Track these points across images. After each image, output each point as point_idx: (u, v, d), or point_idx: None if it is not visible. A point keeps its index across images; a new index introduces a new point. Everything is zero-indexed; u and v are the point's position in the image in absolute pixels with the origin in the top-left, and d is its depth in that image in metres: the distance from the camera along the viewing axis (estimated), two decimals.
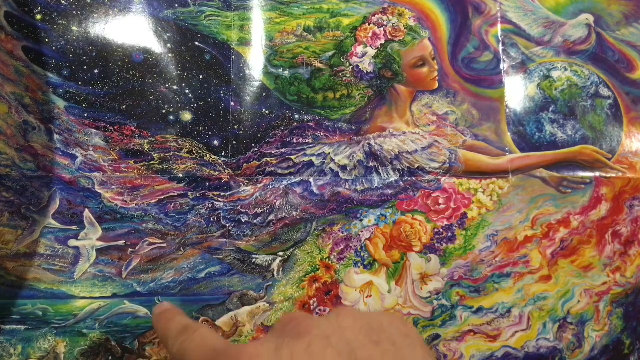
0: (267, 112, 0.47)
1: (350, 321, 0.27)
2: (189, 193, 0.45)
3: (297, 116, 0.47)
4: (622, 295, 0.52)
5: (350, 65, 0.49)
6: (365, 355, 0.25)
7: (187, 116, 0.45)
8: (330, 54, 0.48)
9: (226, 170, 0.46)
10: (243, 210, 0.46)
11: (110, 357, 0.43)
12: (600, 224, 0.52)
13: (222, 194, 0.45)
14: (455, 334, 0.49)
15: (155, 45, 0.45)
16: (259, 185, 0.46)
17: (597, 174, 0.52)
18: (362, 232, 0.48)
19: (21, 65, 0.43)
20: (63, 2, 0.44)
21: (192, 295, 0.44)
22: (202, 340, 0.33)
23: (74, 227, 0.43)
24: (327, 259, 0.47)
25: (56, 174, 0.43)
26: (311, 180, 0.47)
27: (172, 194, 0.45)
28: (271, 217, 0.46)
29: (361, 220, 0.48)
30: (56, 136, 0.43)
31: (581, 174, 0.52)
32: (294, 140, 0.47)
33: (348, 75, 0.49)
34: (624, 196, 0.53)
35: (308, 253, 0.47)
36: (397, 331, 0.27)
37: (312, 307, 0.46)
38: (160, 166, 0.45)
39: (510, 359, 0.49)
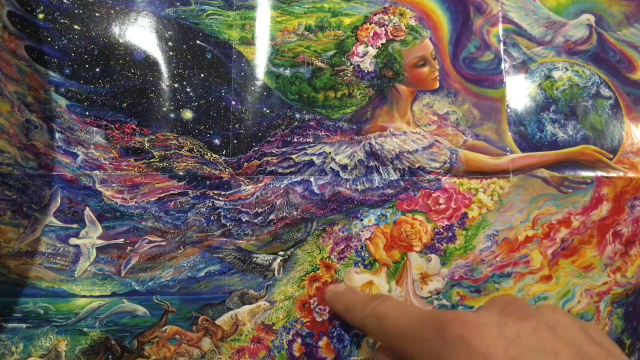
0: (267, 111, 0.47)
1: (567, 319, 0.28)
2: (189, 191, 0.45)
3: (297, 115, 0.48)
4: (622, 296, 0.52)
5: (351, 64, 0.49)
6: (593, 352, 0.26)
7: (188, 114, 0.46)
8: (331, 53, 0.49)
9: (227, 169, 0.46)
10: (243, 209, 0.46)
11: (110, 356, 0.43)
12: (601, 223, 0.52)
13: (223, 192, 0.46)
14: None
15: (157, 44, 0.46)
16: (259, 185, 0.46)
17: (598, 173, 0.52)
18: (362, 231, 0.48)
19: (24, 64, 0.43)
20: (65, 1, 0.44)
21: (192, 294, 0.45)
22: (402, 303, 0.33)
23: (75, 226, 0.43)
24: (328, 259, 0.47)
25: (57, 172, 0.43)
26: (312, 179, 0.47)
27: (172, 192, 0.45)
28: (272, 217, 0.46)
29: (361, 220, 0.48)
30: (58, 134, 0.43)
31: (582, 173, 0.52)
32: (295, 140, 0.47)
33: (349, 75, 0.49)
34: (625, 196, 0.53)
35: (308, 252, 0.47)
36: (610, 343, 0.28)
37: (312, 306, 0.46)
38: (161, 164, 0.45)
39: None
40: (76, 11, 0.44)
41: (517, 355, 0.24)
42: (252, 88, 0.47)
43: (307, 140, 0.47)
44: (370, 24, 0.49)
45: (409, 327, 0.30)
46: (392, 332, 0.32)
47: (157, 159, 0.45)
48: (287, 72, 0.48)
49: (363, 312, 0.35)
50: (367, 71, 0.49)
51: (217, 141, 0.46)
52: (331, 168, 0.48)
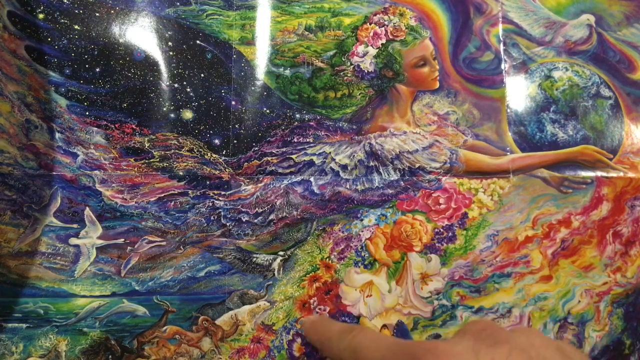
0: (268, 111, 0.47)
1: (541, 341, 0.28)
2: (190, 191, 0.45)
3: (298, 115, 0.48)
4: (622, 296, 0.52)
5: (351, 64, 0.49)
6: None
7: (188, 114, 0.46)
8: (332, 53, 0.49)
9: (227, 169, 0.46)
10: (243, 209, 0.46)
11: (110, 356, 0.43)
12: (601, 224, 0.52)
13: (223, 192, 0.46)
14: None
15: (157, 44, 0.46)
16: (259, 185, 0.46)
17: (598, 173, 0.52)
18: (362, 231, 0.48)
19: (24, 64, 0.43)
20: (65, 1, 0.44)
21: (192, 294, 0.45)
22: (377, 335, 0.33)
23: (75, 226, 0.43)
24: (328, 259, 0.47)
25: (57, 172, 0.43)
26: (312, 179, 0.47)
27: (172, 192, 0.45)
28: (272, 217, 0.46)
29: (361, 220, 0.48)
30: (58, 134, 0.43)
31: (582, 173, 0.52)
32: (295, 140, 0.47)
33: (349, 75, 0.49)
34: (625, 196, 0.53)
35: (308, 252, 0.47)
36: (585, 358, 0.28)
37: (312, 306, 0.46)
38: (161, 164, 0.45)
39: None
40: (76, 11, 0.44)
41: None
42: (252, 88, 0.47)
43: (307, 140, 0.47)
44: (370, 24, 0.50)
45: (383, 359, 0.30)
46: None
47: (157, 159, 0.45)
48: (287, 72, 0.48)
49: (340, 345, 0.35)
50: (367, 71, 0.49)
51: (217, 141, 0.46)
52: (331, 168, 0.48)
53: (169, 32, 0.46)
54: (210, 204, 0.45)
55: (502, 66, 0.52)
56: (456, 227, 0.49)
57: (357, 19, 0.49)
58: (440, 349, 0.27)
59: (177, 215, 0.45)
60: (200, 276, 0.45)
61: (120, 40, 0.45)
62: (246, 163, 0.46)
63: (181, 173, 0.45)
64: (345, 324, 0.36)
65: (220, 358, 0.44)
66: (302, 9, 0.49)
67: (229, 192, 0.46)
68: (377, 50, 0.49)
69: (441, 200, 0.49)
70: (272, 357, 0.45)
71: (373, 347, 0.32)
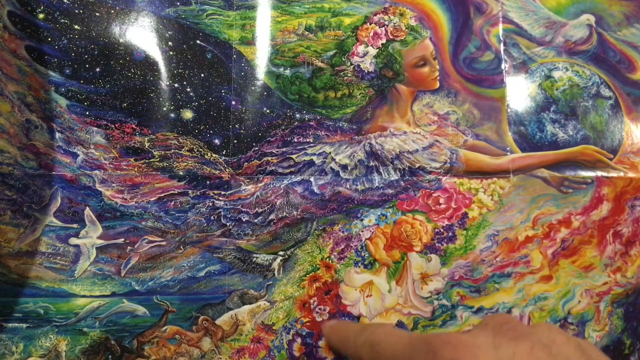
0: (268, 111, 0.47)
1: (562, 338, 0.28)
2: (190, 191, 0.45)
3: (298, 115, 0.48)
4: (622, 296, 0.52)
5: (352, 64, 0.49)
6: None
7: (188, 114, 0.46)
8: (332, 53, 0.49)
9: (227, 169, 0.46)
10: (243, 209, 0.46)
11: (109, 356, 0.43)
12: (602, 224, 0.52)
13: (223, 192, 0.46)
14: None
15: (157, 44, 0.46)
16: (259, 184, 0.46)
17: (599, 173, 0.52)
18: (362, 231, 0.48)
19: (24, 64, 0.43)
20: (65, 0, 0.44)
21: (192, 294, 0.45)
22: (394, 329, 0.33)
23: (75, 225, 0.43)
24: (328, 259, 0.47)
25: (57, 172, 0.43)
26: (312, 179, 0.47)
27: (173, 192, 0.45)
28: (272, 217, 0.46)
29: (362, 220, 0.48)
30: (58, 134, 0.43)
31: (582, 173, 0.52)
32: (295, 140, 0.47)
33: (349, 75, 0.49)
34: (626, 196, 0.53)
35: (308, 252, 0.47)
36: (605, 358, 0.28)
37: (312, 306, 0.46)
38: (161, 164, 0.45)
39: None
40: (76, 11, 0.44)
41: None
42: (252, 88, 0.47)
43: (307, 140, 0.47)
44: (370, 24, 0.50)
45: (402, 352, 0.30)
46: (386, 357, 0.31)
47: (157, 159, 0.45)
48: (288, 72, 0.48)
49: (357, 341, 0.35)
50: (367, 71, 0.49)
51: (217, 141, 0.46)
52: (331, 168, 0.48)
53: (169, 32, 0.46)
54: (211, 204, 0.45)
55: (503, 66, 0.52)
56: (456, 227, 0.49)
57: (357, 19, 0.49)
58: (459, 341, 0.27)
59: (177, 215, 0.45)
60: (200, 276, 0.45)
61: (121, 40, 0.45)
62: (246, 163, 0.46)
63: (181, 173, 0.45)
64: (361, 323, 0.36)
65: (220, 358, 0.44)
66: (302, 9, 0.49)
67: (229, 192, 0.46)
68: (377, 50, 0.49)
69: (441, 200, 0.49)
70: (272, 357, 0.45)
71: (391, 341, 0.32)
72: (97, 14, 0.45)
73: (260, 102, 0.47)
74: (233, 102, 0.46)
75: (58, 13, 0.44)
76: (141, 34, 0.45)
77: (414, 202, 0.49)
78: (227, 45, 0.47)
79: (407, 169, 0.49)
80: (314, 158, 0.47)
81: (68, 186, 0.43)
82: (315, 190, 0.47)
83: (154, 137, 0.45)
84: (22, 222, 0.42)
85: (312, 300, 0.46)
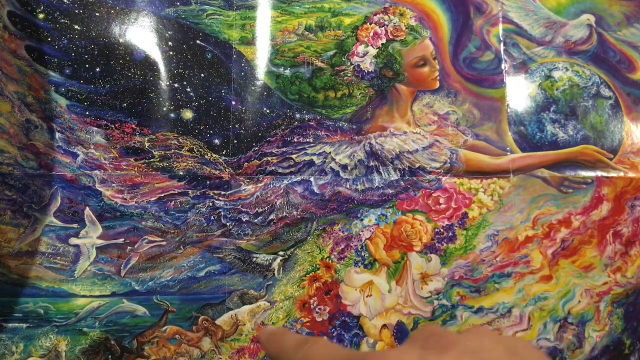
0: (268, 111, 0.47)
1: (490, 342, 0.28)
2: (190, 191, 0.45)
3: (298, 115, 0.48)
4: (622, 296, 0.52)
5: (352, 64, 0.49)
6: None
7: (188, 114, 0.46)
8: (332, 53, 0.49)
9: (227, 169, 0.46)
10: (244, 209, 0.46)
11: (109, 356, 0.43)
12: (601, 223, 0.52)
13: (223, 192, 0.46)
14: None
15: (157, 44, 0.46)
16: (259, 184, 0.46)
17: (599, 173, 0.52)
18: (362, 231, 0.48)
19: (24, 64, 0.43)
20: (65, 1, 0.44)
21: (192, 294, 0.45)
22: (328, 346, 0.33)
23: (75, 225, 0.43)
24: (328, 259, 0.47)
25: (57, 172, 0.43)
26: (312, 179, 0.47)
27: (173, 192, 0.45)
28: (272, 217, 0.46)
29: (362, 220, 0.48)
30: (58, 134, 0.43)
31: (582, 173, 0.52)
32: (295, 140, 0.47)
33: (349, 75, 0.49)
34: (625, 196, 0.53)
35: (308, 252, 0.47)
36: (537, 356, 0.28)
37: (312, 306, 0.46)
38: (161, 164, 0.45)
39: None
40: (76, 11, 0.44)
41: None
42: (252, 88, 0.47)
43: (307, 140, 0.47)
44: (370, 24, 0.49)
45: None
46: None
47: (157, 159, 0.45)
48: (287, 72, 0.48)
49: (294, 358, 0.35)
50: (367, 71, 0.49)
51: (217, 141, 0.46)
52: (331, 168, 0.48)
53: (169, 32, 0.46)
54: (211, 204, 0.45)
55: (503, 66, 0.52)
56: (456, 227, 0.49)
57: (357, 19, 0.49)
58: (390, 359, 0.27)
59: (177, 215, 0.45)
60: (200, 276, 0.45)
61: (121, 40, 0.45)
62: (246, 163, 0.46)
63: (181, 173, 0.45)
64: (301, 335, 0.36)
65: (220, 358, 0.44)
66: (302, 9, 0.48)
67: (229, 192, 0.46)
68: (377, 50, 0.49)
69: (441, 200, 0.49)
70: None
71: (325, 358, 0.32)
72: (97, 14, 0.45)
73: (260, 102, 0.47)
74: (233, 102, 0.46)
75: (58, 13, 0.44)
76: (141, 34, 0.45)
77: (414, 202, 0.49)
78: (227, 45, 0.47)
79: (407, 169, 0.49)
80: (314, 158, 0.47)
81: (68, 186, 0.43)
82: (315, 190, 0.47)
83: (154, 137, 0.45)
84: (22, 222, 0.42)
85: (312, 300, 0.46)
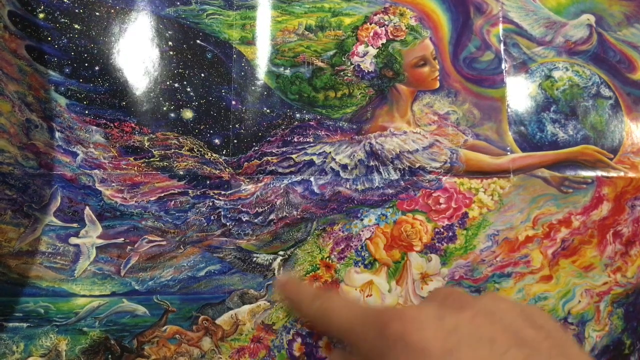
0: (268, 111, 0.47)
1: (506, 305, 0.28)
2: (190, 191, 0.45)
3: (298, 115, 0.48)
4: (622, 296, 0.52)
5: (352, 64, 0.49)
6: (531, 336, 0.26)
7: (188, 114, 0.46)
8: (332, 53, 0.49)
9: (227, 169, 0.46)
10: (244, 209, 0.46)
11: (109, 356, 0.43)
12: (602, 223, 0.52)
13: (223, 192, 0.46)
14: None
15: (157, 43, 0.46)
16: (259, 184, 0.46)
17: (599, 173, 0.52)
18: (362, 231, 0.48)
19: (24, 64, 0.43)
20: (65, 0, 0.44)
21: (192, 294, 0.45)
22: (347, 301, 0.34)
23: (75, 225, 0.43)
24: (328, 258, 0.47)
25: (57, 171, 0.43)
26: (312, 179, 0.47)
27: (173, 191, 0.45)
28: (272, 216, 0.46)
29: (362, 220, 0.48)
30: (57, 134, 0.43)
31: (583, 173, 0.52)
32: (295, 139, 0.47)
33: (349, 75, 0.49)
34: (626, 196, 0.53)
35: (308, 252, 0.47)
36: (552, 324, 0.28)
37: None
38: (161, 163, 0.45)
39: None
40: (76, 10, 0.44)
41: (453, 346, 0.25)
42: (253, 88, 0.47)
43: (307, 140, 0.47)
44: (370, 23, 0.50)
45: (353, 324, 0.31)
46: (339, 329, 0.32)
47: (157, 158, 0.45)
48: (288, 71, 0.48)
49: (311, 306, 0.35)
50: (368, 71, 0.49)
51: (217, 141, 0.46)
52: (331, 168, 0.48)
53: (169, 32, 0.46)
54: (211, 204, 0.45)
55: (503, 66, 0.52)
56: (456, 226, 0.49)
57: (357, 19, 0.49)
58: (407, 315, 0.27)
59: (177, 214, 0.45)
60: (201, 276, 0.45)
61: (120, 39, 0.45)
62: (246, 163, 0.46)
63: (181, 172, 0.45)
64: (317, 288, 0.36)
65: (221, 358, 0.44)
66: (302, 9, 0.49)
67: (229, 192, 0.46)
68: (378, 50, 0.49)
69: (441, 200, 0.49)
70: (272, 356, 0.45)
71: (343, 312, 0.32)
72: (97, 14, 0.45)
73: (260, 101, 0.47)
74: (233, 102, 0.46)
75: (58, 12, 0.44)
76: (141, 34, 0.45)
77: (414, 202, 0.49)
78: (227, 45, 0.47)
79: (407, 168, 0.49)
80: (314, 158, 0.47)
81: (68, 185, 0.43)
82: (315, 190, 0.47)
83: (153, 136, 0.45)
84: (22, 222, 0.42)
85: None
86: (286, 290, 0.42)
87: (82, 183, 0.44)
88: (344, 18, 0.49)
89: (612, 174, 0.53)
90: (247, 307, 0.45)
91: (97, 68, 0.44)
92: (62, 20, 0.44)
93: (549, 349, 0.25)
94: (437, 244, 0.49)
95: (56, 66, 0.44)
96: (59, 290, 0.43)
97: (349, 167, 0.48)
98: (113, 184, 0.44)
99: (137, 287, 0.44)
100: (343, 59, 0.49)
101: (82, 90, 0.44)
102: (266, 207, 0.46)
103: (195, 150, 0.45)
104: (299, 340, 0.46)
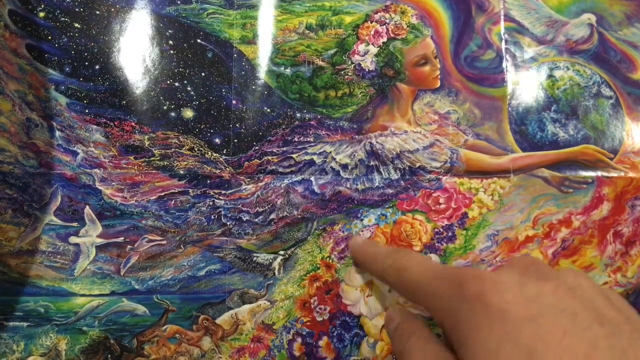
0: (268, 110, 0.47)
1: (588, 282, 0.28)
2: (190, 190, 0.45)
3: (298, 114, 0.48)
4: (623, 296, 0.52)
5: (352, 63, 0.49)
6: (611, 316, 0.25)
7: (188, 113, 0.45)
8: (332, 52, 0.49)
9: (227, 168, 0.46)
10: (244, 209, 0.46)
11: (109, 355, 0.43)
12: (602, 223, 0.52)
13: (223, 191, 0.46)
14: None
15: (157, 42, 0.45)
16: (260, 184, 0.46)
17: (599, 173, 0.52)
18: (362, 231, 0.48)
19: (25, 63, 0.43)
20: None
21: (192, 293, 0.45)
22: (423, 258, 0.33)
23: (75, 224, 0.43)
24: (328, 258, 0.47)
25: (57, 170, 0.43)
26: (312, 179, 0.47)
27: (173, 190, 0.45)
28: (272, 216, 0.46)
29: (362, 220, 0.48)
30: (58, 133, 0.43)
31: (583, 173, 0.52)
32: (296, 139, 0.47)
33: (350, 74, 0.49)
34: (626, 196, 0.53)
35: (309, 252, 0.47)
36: (629, 309, 0.28)
37: (312, 305, 0.46)
38: (161, 162, 0.45)
39: None
40: (77, 9, 0.44)
41: (536, 313, 0.24)
42: (253, 87, 0.47)
43: (308, 139, 0.47)
44: (371, 22, 0.49)
45: (428, 282, 0.30)
46: (412, 285, 0.32)
47: (158, 158, 0.45)
48: (288, 71, 0.48)
49: (384, 264, 0.35)
50: (368, 70, 0.49)
51: (217, 140, 0.46)
52: (332, 167, 0.48)
53: (170, 31, 0.46)
54: (211, 203, 0.45)
55: (504, 65, 0.52)
56: (456, 226, 0.49)
57: (358, 17, 0.49)
58: (486, 276, 0.27)
59: (177, 214, 0.45)
60: (201, 275, 0.45)
61: (120, 38, 0.45)
62: (247, 162, 0.46)
63: (182, 172, 0.45)
64: (391, 247, 0.36)
65: (221, 357, 0.44)
66: (303, 8, 0.48)
67: (229, 191, 0.46)
68: (378, 48, 0.49)
69: (441, 200, 0.49)
70: (272, 356, 0.45)
71: (418, 269, 0.32)
72: (98, 12, 0.45)
73: (260, 101, 0.47)
74: (233, 101, 0.46)
75: (59, 11, 0.44)
76: (141, 33, 0.45)
77: (414, 202, 0.49)
78: (227, 44, 0.47)
79: (407, 168, 0.49)
80: (315, 157, 0.47)
81: (68, 185, 0.43)
82: (316, 190, 0.47)
83: (154, 135, 0.45)
84: (22, 221, 0.42)
85: (312, 300, 0.46)
86: (360, 249, 0.42)
87: (82, 182, 0.44)
88: (345, 16, 0.49)
89: (613, 173, 0.53)
90: (247, 307, 0.45)
91: (97, 67, 0.44)
92: (63, 19, 0.44)
93: (630, 332, 0.25)
94: (436, 244, 0.49)
95: (56, 65, 0.44)
96: (59, 289, 0.43)
97: (350, 167, 0.48)
98: (113, 183, 0.44)
99: (137, 287, 0.44)
100: (344, 58, 0.49)
101: (83, 89, 0.44)
102: (266, 207, 0.46)
103: (196, 149, 0.45)
104: (299, 340, 0.46)
